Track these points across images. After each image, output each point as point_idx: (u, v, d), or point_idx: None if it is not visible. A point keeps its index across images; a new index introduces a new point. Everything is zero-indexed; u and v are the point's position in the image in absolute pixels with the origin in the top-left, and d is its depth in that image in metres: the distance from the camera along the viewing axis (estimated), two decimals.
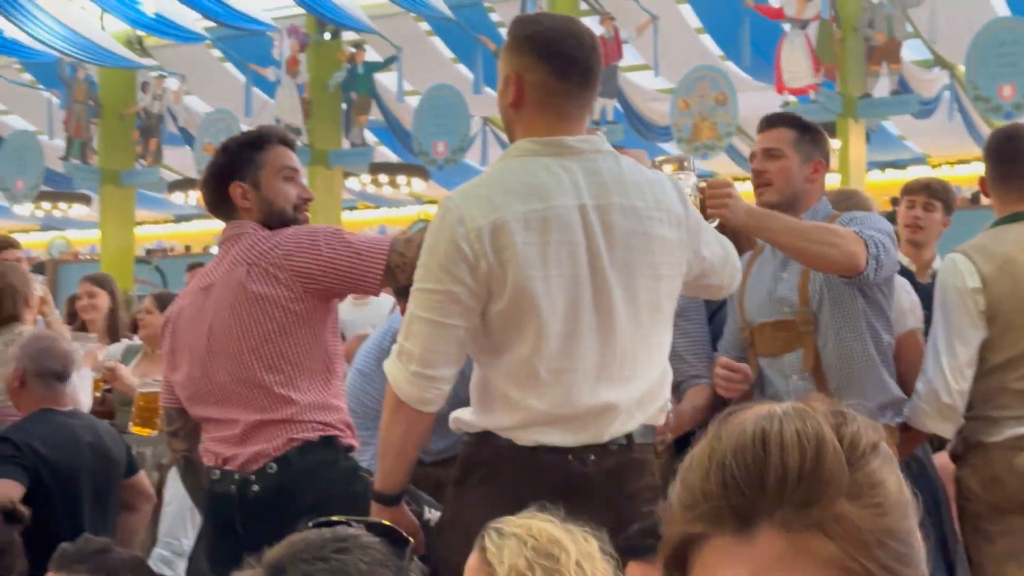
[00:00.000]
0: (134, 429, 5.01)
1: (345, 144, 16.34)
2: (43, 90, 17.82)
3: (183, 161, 18.01)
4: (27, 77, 18.74)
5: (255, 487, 3.00)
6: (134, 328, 5.83)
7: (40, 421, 3.96)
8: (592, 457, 2.47)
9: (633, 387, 2.51)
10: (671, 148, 18.03)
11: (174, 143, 17.61)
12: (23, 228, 26.30)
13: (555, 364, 2.47)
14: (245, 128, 16.30)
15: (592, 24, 15.46)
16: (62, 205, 20.62)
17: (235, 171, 3.24)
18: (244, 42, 16.46)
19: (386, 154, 18.64)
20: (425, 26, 16.80)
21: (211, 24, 16.09)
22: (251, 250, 3.11)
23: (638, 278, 2.49)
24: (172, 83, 17.28)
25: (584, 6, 15.91)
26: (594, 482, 2.48)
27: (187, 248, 22.24)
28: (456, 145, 14.98)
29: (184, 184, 19.16)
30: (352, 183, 18.37)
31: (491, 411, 2.55)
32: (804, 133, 3.49)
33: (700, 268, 2.69)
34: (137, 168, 17.39)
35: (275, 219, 3.20)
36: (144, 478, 4.43)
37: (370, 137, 17.25)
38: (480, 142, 16.72)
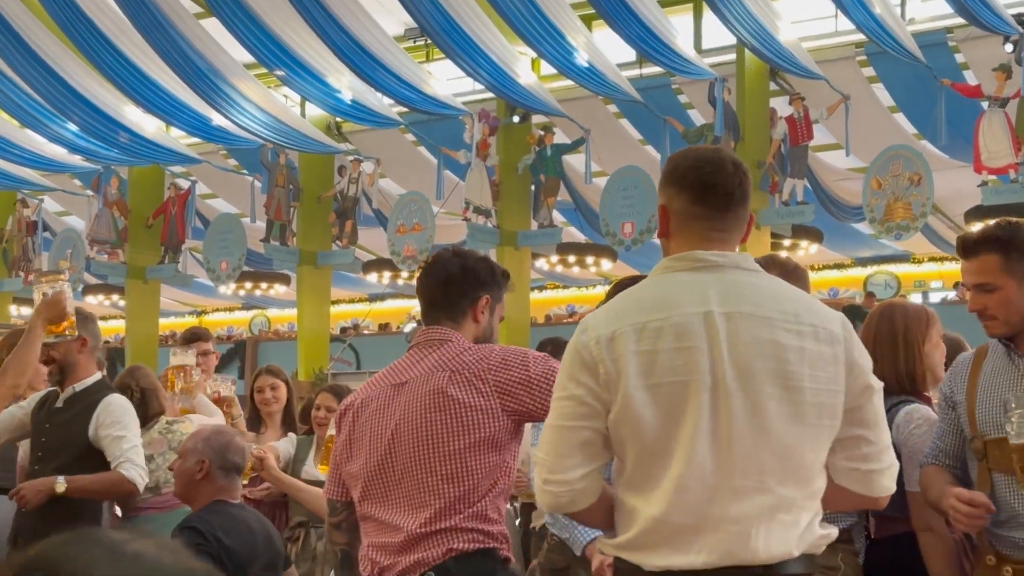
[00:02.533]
0: None
1: (533, 225, 16.54)
2: (246, 175, 18.61)
3: (377, 242, 18.51)
4: (232, 163, 19.62)
5: None
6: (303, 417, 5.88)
7: (218, 512, 4.06)
8: None
9: (761, 500, 2.38)
10: (863, 228, 17.69)
11: (368, 224, 18.12)
12: (227, 307, 27.39)
13: (656, 472, 2.44)
14: (436, 210, 16.75)
15: (782, 104, 15.38)
16: (263, 285, 21.37)
17: (493, 287, 3.29)
18: (436, 126, 16.89)
19: (574, 235, 18.80)
20: (613, 108, 16.96)
21: (405, 109, 16.58)
22: (456, 359, 3.11)
23: (762, 385, 2.39)
24: (367, 166, 17.83)
25: (774, 86, 15.81)
26: None
27: (381, 327, 22.77)
28: (643, 226, 15.00)
29: (378, 264, 19.69)
30: (540, 263, 18.56)
31: (619, 527, 2.52)
32: (1010, 252, 3.16)
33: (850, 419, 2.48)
34: (333, 249, 17.94)
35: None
36: (295, 572, 4.50)
37: (558, 218, 17.43)
38: None
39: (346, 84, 15.87)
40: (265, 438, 5.60)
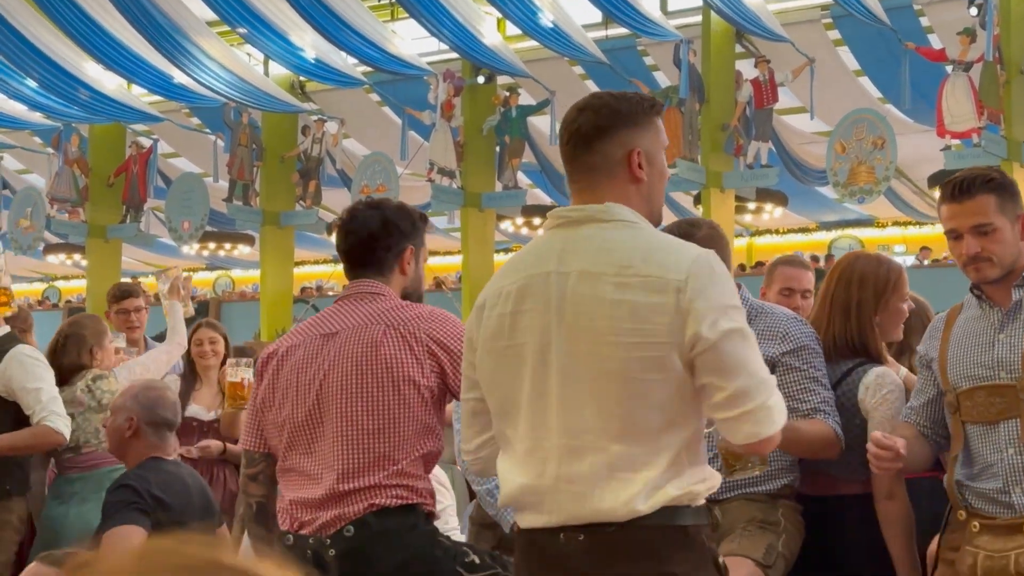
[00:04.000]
0: None
1: (498, 187, 16.50)
2: (209, 134, 18.44)
3: (341, 202, 18.41)
4: (195, 121, 19.44)
5: (331, 551, 2.95)
6: None
7: (154, 469, 4.01)
8: (581, 538, 2.35)
9: (594, 458, 2.34)
10: (828, 192, 17.75)
11: (332, 185, 18.01)
12: (191, 267, 27.23)
13: (510, 434, 2.47)
14: (400, 171, 16.66)
15: (747, 67, 15.37)
16: (226, 245, 21.24)
17: (414, 236, 3.26)
18: (401, 86, 16.78)
19: (539, 196, 18.77)
20: (579, 69, 16.90)
21: (369, 69, 16.46)
22: (392, 313, 3.11)
23: (583, 343, 2.35)
24: (331, 127, 17.71)
25: (740, 49, 15.80)
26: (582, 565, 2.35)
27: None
28: None
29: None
30: (505, 225, 18.53)
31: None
32: (1003, 193, 3.14)
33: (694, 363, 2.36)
34: (297, 209, 17.84)
35: (415, 298, 3.27)
36: (226, 528, 4.49)
37: (523, 180, 17.39)
38: None
39: (309, 43, 15.73)
40: (200, 395, 5.56)
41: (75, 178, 18.61)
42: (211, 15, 15.99)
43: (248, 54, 18.06)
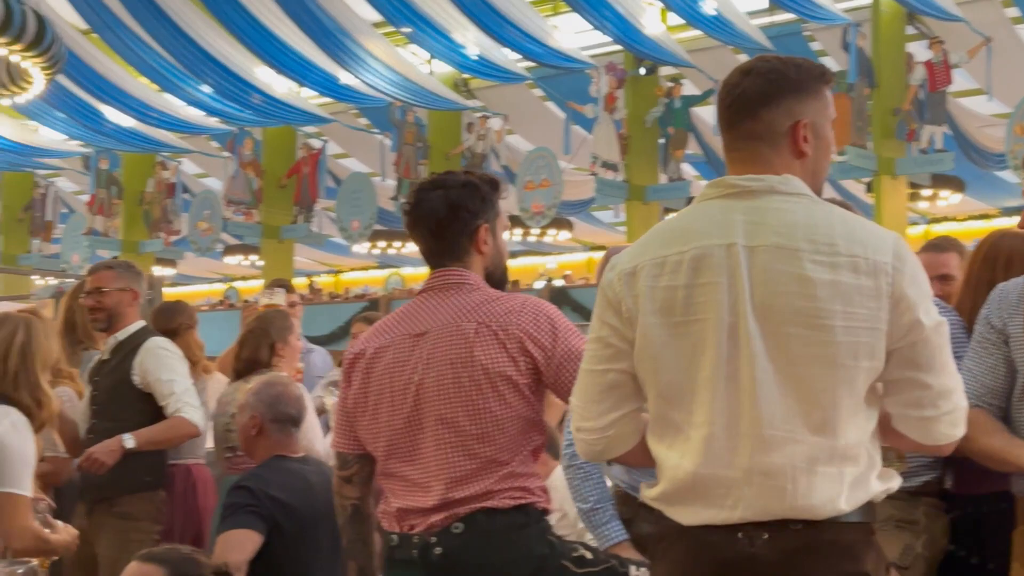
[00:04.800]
0: None
1: (662, 179, 16.34)
2: (376, 134, 18.74)
3: (507, 198, 18.49)
4: (362, 122, 19.78)
5: (437, 549, 2.83)
6: None
7: (275, 468, 3.96)
8: (765, 536, 2.16)
9: (793, 450, 2.17)
10: (1008, 176, 17.06)
11: None
12: (363, 266, 27.71)
13: (680, 419, 2.26)
14: (564, 165, 16.65)
15: (918, 49, 14.88)
16: (396, 243, 21.57)
17: (487, 210, 3.03)
18: (564, 80, 16.78)
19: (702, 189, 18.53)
20: (743, 58, 16.61)
21: (531, 64, 16.49)
22: (481, 308, 2.94)
23: (784, 324, 2.16)
24: (495, 123, 17.81)
25: (911, 31, 15.31)
26: (765, 566, 2.17)
27: (511, 283, 22.81)
28: None
29: (509, 221, 19.70)
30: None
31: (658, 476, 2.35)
32: None
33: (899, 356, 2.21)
34: None
35: (498, 272, 3.08)
36: None
37: (688, 171, 17.18)
38: None
39: (472, 40, 15.84)
40: None
41: (249, 180, 19.16)
42: (376, 16, 16.24)
43: (413, 53, 18.29)
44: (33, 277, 19.25)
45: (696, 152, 17.23)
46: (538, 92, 18.24)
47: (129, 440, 4.46)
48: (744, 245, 2.20)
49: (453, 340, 2.91)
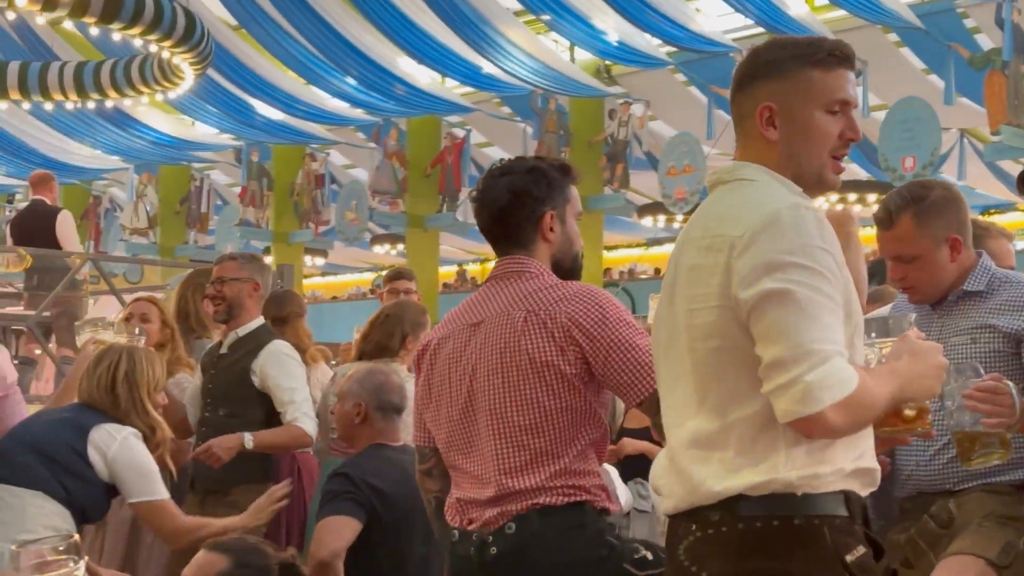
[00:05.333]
0: None
1: None
2: (519, 122, 18.79)
3: (649, 185, 18.38)
4: (505, 111, 19.85)
5: (492, 549, 2.78)
6: None
7: (375, 456, 3.97)
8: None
9: (678, 434, 2.20)
10: None
11: (640, 167, 18.00)
12: None
13: None
14: (707, 150, 16.45)
15: None
16: None
17: (553, 196, 2.98)
18: (706, 64, 16.55)
19: (854, 171, 18.12)
20: (893, 37, 16.18)
21: (673, 49, 16.34)
22: (533, 296, 2.87)
23: (669, 317, 2.25)
24: (637, 109, 17.69)
25: None
26: None
27: (656, 271, 22.70)
28: (925, 160, 14.27)
29: (653, 208, 19.58)
30: (819, 202, 17.98)
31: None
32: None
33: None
34: (605, 193, 17.94)
35: (567, 261, 3.01)
36: None
37: None
38: (957, 155, 15.89)
39: (612, 26, 15.74)
40: None
41: (394, 170, 19.38)
42: (515, 4, 16.27)
43: (555, 41, 18.28)
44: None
45: None
46: (680, 77, 18.05)
47: (249, 441, 4.54)
48: (682, 240, 2.26)
49: (503, 329, 2.87)
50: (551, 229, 2.97)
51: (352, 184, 20.50)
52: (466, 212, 19.37)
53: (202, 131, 21.38)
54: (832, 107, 2.25)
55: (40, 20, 14.09)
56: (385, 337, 5.06)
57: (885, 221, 3.12)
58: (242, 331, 4.79)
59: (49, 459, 3.66)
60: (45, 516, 3.58)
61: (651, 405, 2.67)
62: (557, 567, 2.74)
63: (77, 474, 3.68)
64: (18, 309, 8.42)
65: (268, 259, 20.42)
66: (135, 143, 20.69)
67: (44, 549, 1.95)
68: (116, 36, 13.45)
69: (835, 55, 2.27)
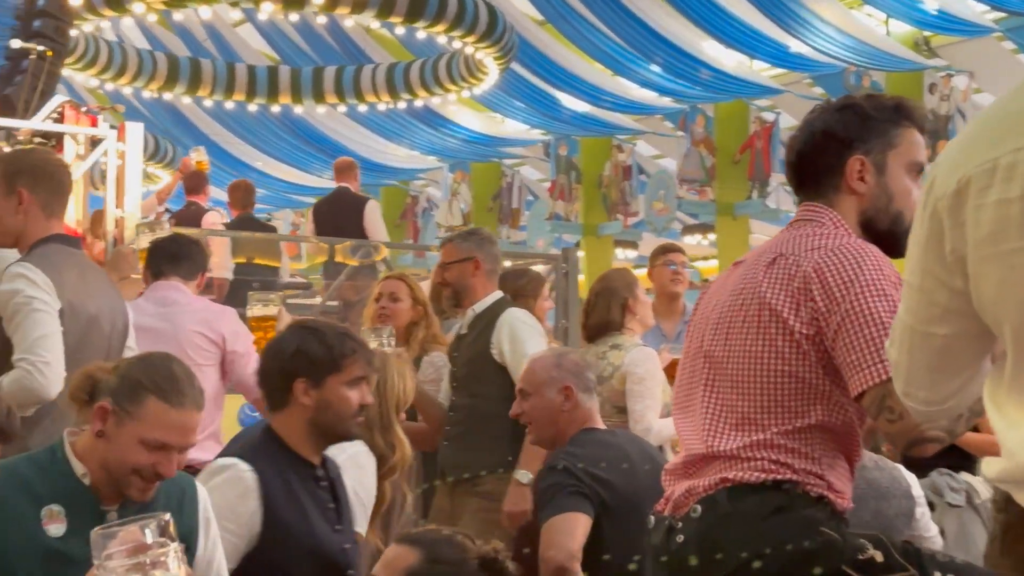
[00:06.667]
0: None
1: None
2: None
3: None
4: (816, 91, 19.13)
5: (679, 537, 2.34)
6: None
7: (588, 443, 3.64)
8: None
9: None
10: None
11: None
12: None
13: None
14: None
15: None
16: None
17: (866, 140, 2.52)
18: None
19: None
20: None
21: (1000, 15, 15.23)
22: (795, 241, 2.43)
23: None
24: (960, 81, 16.60)
25: None
26: None
27: None
28: None
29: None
30: None
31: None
32: None
33: None
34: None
35: (883, 220, 2.51)
36: None
37: None
38: None
39: None
40: None
41: (702, 158, 19.04)
42: None
43: (868, 15, 17.43)
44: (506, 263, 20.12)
45: None
46: (1008, 45, 16.81)
47: (524, 476, 4.27)
48: None
49: (750, 269, 2.46)
50: (860, 178, 2.51)
51: (660, 174, 20.30)
52: (777, 198, 18.78)
53: (512, 127, 21.70)
54: None
55: (349, 23, 14.63)
56: (603, 314, 4.88)
57: None
58: (479, 307, 4.66)
59: None
60: None
61: (874, 400, 2.21)
62: (748, 559, 2.26)
63: None
64: (316, 301, 8.58)
65: (580, 253, 20.53)
66: (448, 142, 21.25)
67: (134, 531, 1.84)
68: (420, 35, 13.78)
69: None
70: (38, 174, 3.67)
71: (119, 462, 2.65)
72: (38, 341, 3.41)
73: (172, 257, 4.56)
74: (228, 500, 2.95)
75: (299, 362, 3.08)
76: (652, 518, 2.49)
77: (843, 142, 2.51)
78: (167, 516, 1.98)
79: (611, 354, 4.85)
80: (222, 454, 3.25)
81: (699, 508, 2.33)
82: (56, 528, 2.62)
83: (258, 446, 3.13)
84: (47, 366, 3.36)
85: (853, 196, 2.51)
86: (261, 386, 3.20)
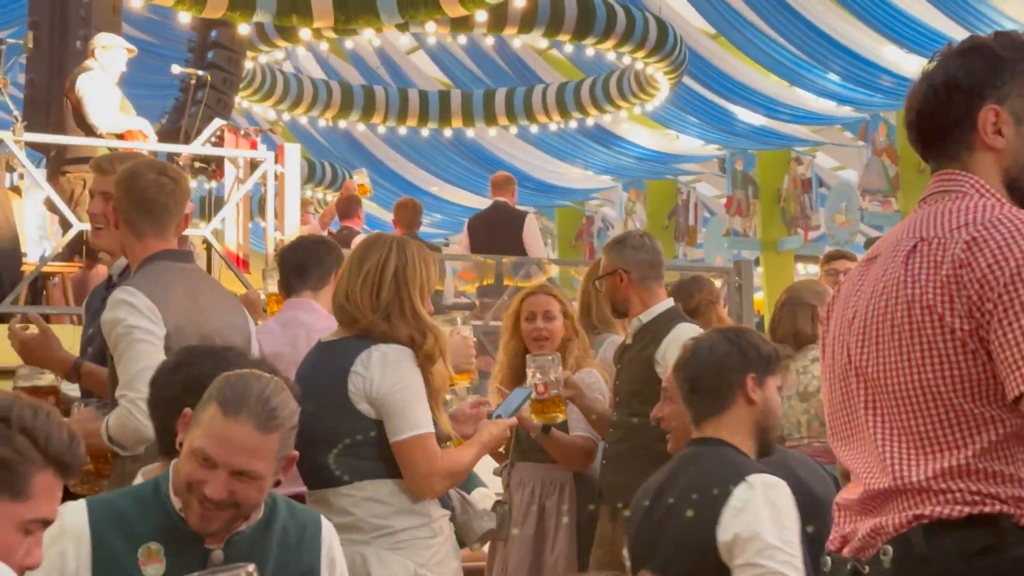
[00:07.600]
0: None
1: None
2: None
3: None
4: None
5: None
6: None
7: (790, 456, 3.34)
8: None
9: None
10: None
11: None
12: None
13: None
14: None
15: None
16: None
17: (999, 87, 2.09)
18: None
19: None
20: None
21: None
22: (935, 220, 2.02)
23: None
24: None
25: None
26: None
27: None
28: None
29: None
30: None
31: None
32: None
33: None
34: None
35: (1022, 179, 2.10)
36: None
37: None
38: None
39: None
40: None
41: (885, 168, 18.39)
42: None
43: None
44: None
45: None
46: None
47: None
48: None
49: (890, 264, 2.05)
50: (996, 131, 2.09)
51: (840, 185, 19.71)
52: None
53: (686, 144, 21.38)
54: None
55: (517, 43, 14.60)
56: (791, 325, 4.64)
57: None
58: (645, 316, 4.37)
59: None
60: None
61: None
62: None
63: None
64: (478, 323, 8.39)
65: (758, 269, 20.03)
66: (621, 160, 21.07)
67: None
68: (589, 52, 13.67)
69: None
70: (132, 191, 3.48)
71: (177, 476, 2.45)
72: (138, 375, 3.21)
73: (298, 268, 4.29)
74: None
75: None
76: (828, 559, 2.14)
77: (971, 91, 2.09)
78: (251, 567, 1.82)
79: (813, 367, 4.53)
80: None
81: (890, 550, 1.98)
82: (154, 569, 2.41)
83: None
84: (147, 403, 3.08)
85: (991, 153, 2.09)
86: None
